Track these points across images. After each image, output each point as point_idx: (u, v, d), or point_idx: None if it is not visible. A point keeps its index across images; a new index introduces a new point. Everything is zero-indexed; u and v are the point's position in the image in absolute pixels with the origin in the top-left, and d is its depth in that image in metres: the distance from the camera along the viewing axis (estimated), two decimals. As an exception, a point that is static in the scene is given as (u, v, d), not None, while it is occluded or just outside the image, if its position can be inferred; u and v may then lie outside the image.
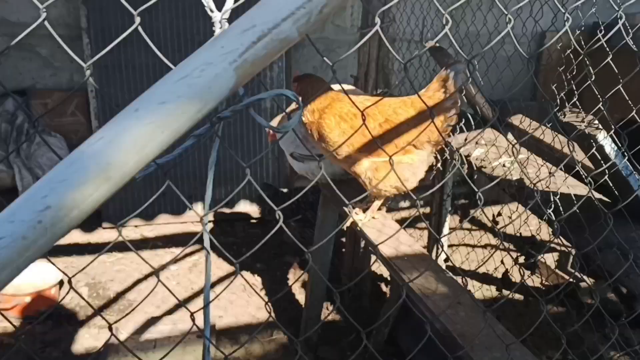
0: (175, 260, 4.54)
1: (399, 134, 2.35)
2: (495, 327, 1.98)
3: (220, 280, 4.30)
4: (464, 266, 4.17)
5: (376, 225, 2.72)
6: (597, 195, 2.30)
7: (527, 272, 4.22)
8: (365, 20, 3.59)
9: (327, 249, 3.32)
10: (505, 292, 4.00)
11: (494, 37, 1.93)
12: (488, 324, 1.98)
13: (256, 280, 4.30)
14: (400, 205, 4.87)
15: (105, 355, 3.27)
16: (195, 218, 5.20)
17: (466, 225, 4.18)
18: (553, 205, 2.06)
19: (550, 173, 2.25)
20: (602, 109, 1.80)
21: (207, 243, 1.41)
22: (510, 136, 3.14)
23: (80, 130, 5.12)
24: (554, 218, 2.03)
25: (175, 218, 5.24)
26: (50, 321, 3.70)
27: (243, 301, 4.02)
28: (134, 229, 5.09)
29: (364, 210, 2.73)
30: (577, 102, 2.22)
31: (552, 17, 2.24)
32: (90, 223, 4.99)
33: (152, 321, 3.55)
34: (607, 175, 1.90)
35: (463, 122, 2.84)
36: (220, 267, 4.45)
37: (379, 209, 2.74)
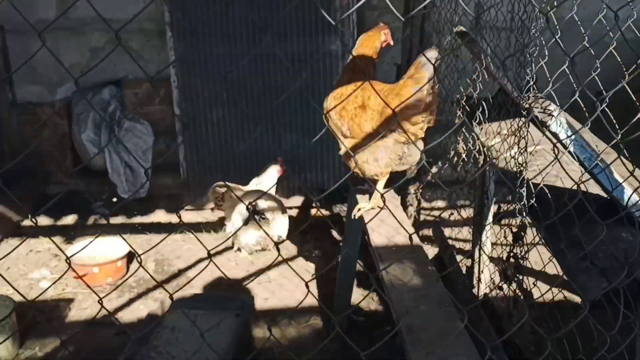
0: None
1: (366, 120, 2.44)
2: (451, 324, 1.91)
3: (278, 264, 4.44)
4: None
5: (382, 214, 2.69)
6: (596, 192, 2.11)
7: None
8: (407, 8, 3.52)
9: (354, 237, 3.32)
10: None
11: (598, 22, 1.80)
12: (445, 319, 1.93)
13: (309, 267, 4.39)
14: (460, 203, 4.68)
15: (151, 326, 3.54)
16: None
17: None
18: (524, 195, 1.92)
19: (522, 162, 2.08)
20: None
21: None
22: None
23: (167, 117, 5.49)
24: (526, 210, 1.90)
25: (250, 203, 5.47)
26: (115, 291, 4.06)
27: (292, 286, 4.12)
28: (212, 213, 5.38)
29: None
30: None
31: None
32: (174, 205, 5.36)
33: (195, 298, 3.75)
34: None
35: (480, 110, 2.72)
36: (286, 247, 4.61)
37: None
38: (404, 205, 3.68)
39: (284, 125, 5.35)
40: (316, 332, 3.61)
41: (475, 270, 3.31)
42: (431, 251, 3.72)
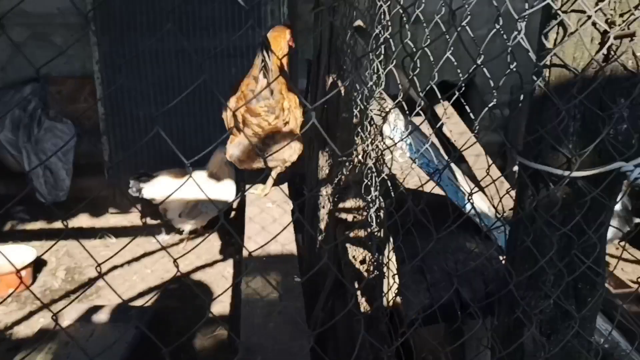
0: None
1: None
2: (295, 343, 1.71)
3: (202, 267, 4.25)
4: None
5: (265, 221, 2.50)
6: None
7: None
8: (317, 1, 3.33)
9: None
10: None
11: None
12: (290, 338, 1.73)
13: (228, 272, 4.18)
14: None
15: (42, 341, 3.30)
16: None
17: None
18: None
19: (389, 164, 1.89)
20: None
21: None
22: (445, 129, 2.78)
23: (93, 116, 5.23)
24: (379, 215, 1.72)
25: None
26: (15, 303, 3.81)
27: (206, 294, 3.92)
28: (138, 215, 5.14)
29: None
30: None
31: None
32: (98, 208, 5.12)
33: (95, 309, 3.52)
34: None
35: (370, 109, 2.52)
36: (209, 251, 4.42)
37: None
38: (317, 208, 3.49)
39: (214, 122, 5.13)
40: (220, 343, 3.40)
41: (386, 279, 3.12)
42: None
